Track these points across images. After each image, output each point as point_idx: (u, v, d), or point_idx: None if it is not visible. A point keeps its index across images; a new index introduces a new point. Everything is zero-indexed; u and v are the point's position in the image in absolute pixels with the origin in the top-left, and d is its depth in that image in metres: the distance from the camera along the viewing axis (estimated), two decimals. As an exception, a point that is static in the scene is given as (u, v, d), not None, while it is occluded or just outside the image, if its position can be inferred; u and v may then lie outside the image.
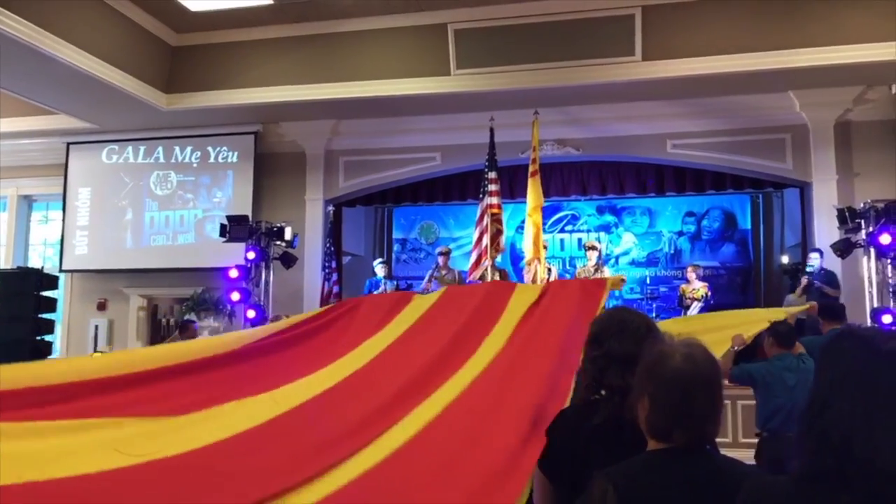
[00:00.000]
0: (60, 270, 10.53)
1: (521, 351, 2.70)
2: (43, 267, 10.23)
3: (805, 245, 9.32)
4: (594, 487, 1.48)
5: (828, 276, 8.03)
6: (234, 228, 8.98)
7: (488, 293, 3.41)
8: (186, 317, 9.22)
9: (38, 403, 2.11)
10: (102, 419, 2.17)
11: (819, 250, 8.25)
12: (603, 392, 1.88)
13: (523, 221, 9.85)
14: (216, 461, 2.06)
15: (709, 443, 1.54)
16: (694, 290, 9.26)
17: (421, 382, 2.49)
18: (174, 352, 3.00)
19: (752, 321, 5.29)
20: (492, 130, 9.08)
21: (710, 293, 9.20)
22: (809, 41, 7.85)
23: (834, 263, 8.35)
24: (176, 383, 2.55)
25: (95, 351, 9.66)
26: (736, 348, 4.69)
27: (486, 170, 9.06)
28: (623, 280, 4.01)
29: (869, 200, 7.81)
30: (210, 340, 3.16)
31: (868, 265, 7.86)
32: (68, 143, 10.79)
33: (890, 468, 1.16)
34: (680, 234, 11.95)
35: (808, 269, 8.12)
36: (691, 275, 9.42)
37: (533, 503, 1.90)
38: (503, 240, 9.21)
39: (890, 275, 7.70)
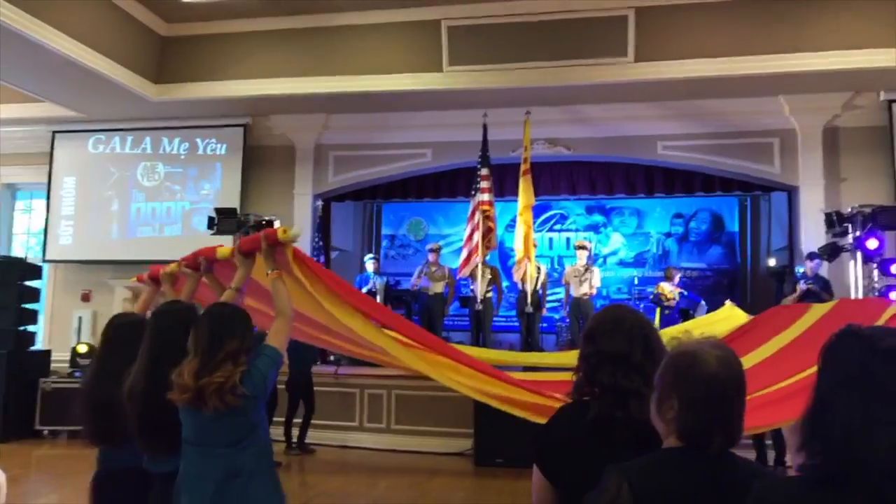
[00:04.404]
0: (44, 260, 10.40)
1: (786, 349, 4.20)
2: (26, 257, 10.12)
3: (792, 248, 9.40)
4: (608, 483, 1.46)
5: (825, 284, 8.05)
6: (222, 221, 8.92)
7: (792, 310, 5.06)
8: None
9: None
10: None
11: (817, 256, 8.20)
12: (596, 390, 1.87)
13: (513, 219, 9.87)
14: None
15: (737, 444, 1.54)
16: (671, 292, 9.40)
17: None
18: None
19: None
20: (485, 127, 9.08)
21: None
22: (800, 46, 7.91)
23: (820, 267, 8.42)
24: None
25: (79, 343, 9.55)
26: None
27: (479, 166, 9.05)
28: None
29: (856, 205, 7.88)
30: None
31: (854, 269, 7.93)
32: (54, 132, 10.65)
33: (892, 468, 1.15)
34: (668, 235, 12.01)
35: (800, 274, 8.16)
36: (676, 277, 9.55)
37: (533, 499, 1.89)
38: (494, 237, 9.21)
39: (876, 279, 7.77)
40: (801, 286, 7.97)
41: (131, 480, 2.87)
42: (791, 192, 9.51)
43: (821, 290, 7.90)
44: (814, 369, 1.34)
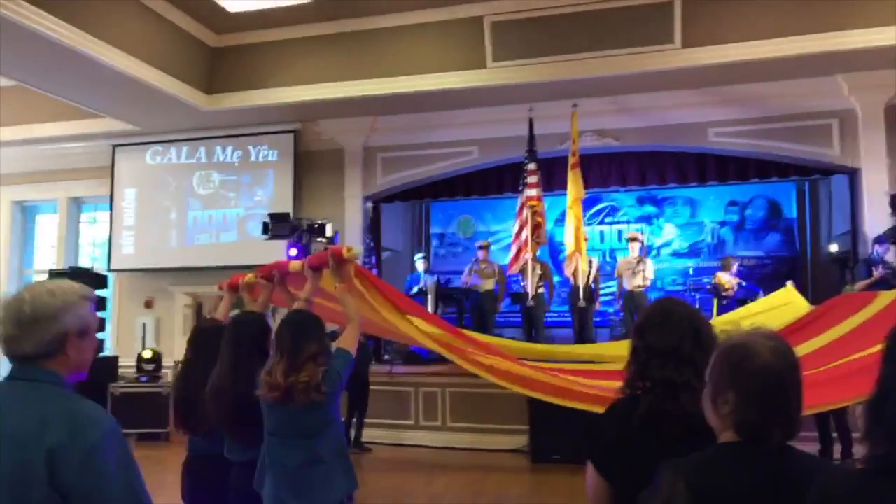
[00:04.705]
0: (108, 270, 10.80)
1: (852, 333, 4.43)
2: (92, 267, 10.52)
3: (855, 233, 9.06)
4: (663, 482, 1.43)
5: (893, 269, 7.69)
6: (276, 226, 9.08)
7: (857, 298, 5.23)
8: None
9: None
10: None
11: (886, 240, 7.84)
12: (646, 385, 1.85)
13: (562, 213, 9.79)
14: None
15: (796, 436, 1.50)
16: (729, 282, 9.17)
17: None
18: None
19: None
20: (531, 121, 9.02)
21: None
22: (856, 22, 7.60)
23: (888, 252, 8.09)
24: None
25: (144, 348, 9.89)
26: None
27: (526, 161, 9.01)
28: None
29: (923, 186, 7.55)
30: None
31: (922, 253, 7.60)
32: (114, 146, 11.06)
33: None
34: (723, 223, 11.72)
35: (877, 257, 7.81)
36: (734, 267, 9.31)
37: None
38: (544, 232, 9.14)
39: (945, 262, 7.43)
40: (880, 272, 7.58)
41: (214, 465, 3.26)
42: (852, 175, 9.16)
43: (892, 275, 7.55)
44: (879, 347, 1.30)
